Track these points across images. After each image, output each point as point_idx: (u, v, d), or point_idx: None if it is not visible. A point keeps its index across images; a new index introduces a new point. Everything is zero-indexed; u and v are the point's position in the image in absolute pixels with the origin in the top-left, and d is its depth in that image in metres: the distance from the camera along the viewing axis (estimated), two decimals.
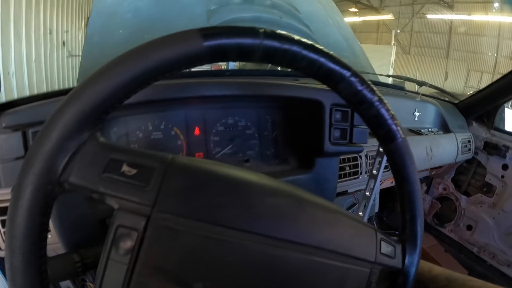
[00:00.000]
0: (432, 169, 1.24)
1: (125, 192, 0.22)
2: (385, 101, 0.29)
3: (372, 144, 0.66)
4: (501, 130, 1.18)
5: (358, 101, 0.29)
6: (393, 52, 6.87)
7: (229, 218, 0.23)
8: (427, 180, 1.38)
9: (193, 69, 0.72)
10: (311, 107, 0.53)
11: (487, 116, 1.20)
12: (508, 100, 1.16)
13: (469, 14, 7.86)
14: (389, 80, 2.12)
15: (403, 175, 0.32)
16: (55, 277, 0.35)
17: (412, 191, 0.32)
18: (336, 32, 1.33)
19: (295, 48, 0.24)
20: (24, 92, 2.78)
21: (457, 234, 1.30)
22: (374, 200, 0.81)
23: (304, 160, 0.58)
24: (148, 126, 0.52)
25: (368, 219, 1.10)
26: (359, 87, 0.28)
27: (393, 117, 0.30)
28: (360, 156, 0.74)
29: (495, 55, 8.02)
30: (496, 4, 7.39)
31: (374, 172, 0.54)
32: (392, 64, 6.78)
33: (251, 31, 0.23)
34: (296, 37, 0.25)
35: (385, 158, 0.49)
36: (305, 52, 0.25)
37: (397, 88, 1.19)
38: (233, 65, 1.67)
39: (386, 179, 0.93)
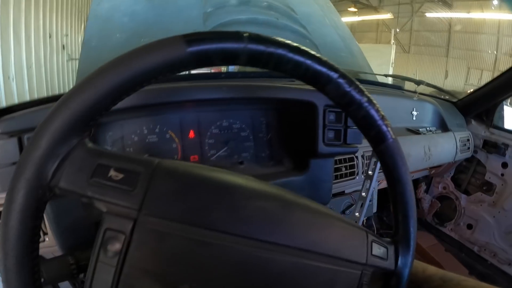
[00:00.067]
0: (432, 168, 1.24)
1: (112, 196, 0.22)
2: (375, 102, 0.29)
3: (368, 145, 0.66)
4: (500, 128, 1.17)
5: (347, 102, 0.29)
6: (393, 51, 6.86)
7: (213, 220, 0.23)
8: (427, 179, 1.38)
9: (186, 72, 0.72)
10: (304, 108, 0.53)
11: (486, 114, 1.19)
12: (507, 97, 1.16)
13: (468, 12, 7.84)
14: (389, 80, 2.11)
15: (395, 176, 0.32)
16: (51, 279, 0.35)
17: (404, 192, 0.32)
18: (334, 33, 1.33)
19: (280, 51, 0.24)
20: (25, 96, 2.79)
21: (458, 233, 1.30)
22: (371, 201, 0.81)
23: (299, 161, 0.58)
24: (143, 130, 0.53)
25: (366, 219, 1.10)
26: (347, 88, 0.28)
27: (383, 118, 0.30)
28: (357, 157, 0.74)
29: (495, 52, 7.99)
30: (495, 2, 7.37)
31: (370, 172, 0.54)
32: (392, 63, 6.77)
33: (235, 36, 0.23)
34: (281, 40, 0.25)
35: None
36: (290, 55, 0.25)
37: (394, 87, 1.19)
38: (232, 67, 1.68)
39: (384, 179, 0.92)
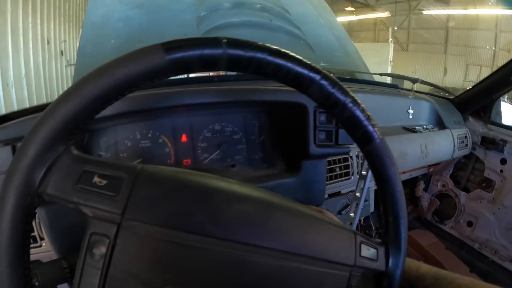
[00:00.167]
0: (430, 166, 1.24)
1: (96, 201, 0.23)
2: (360, 102, 0.29)
3: None
4: (498, 124, 1.16)
5: (331, 103, 0.28)
6: (391, 50, 6.86)
7: (195, 224, 0.24)
8: (426, 178, 1.38)
9: (182, 77, 0.73)
10: (295, 110, 0.53)
11: (483, 110, 1.19)
12: (504, 93, 1.15)
13: (465, 9, 7.84)
14: (388, 80, 2.10)
15: (384, 176, 0.31)
16: (45, 283, 0.36)
17: (393, 192, 0.31)
18: (328, 33, 1.33)
19: (259, 55, 0.25)
20: (24, 103, 2.80)
21: (458, 231, 1.29)
22: (367, 201, 0.81)
23: (291, 163, 0.58)
24: (136, 135, 0.53)
25: (364, 219, 1.10)
26: (331, 90, 0.27)
27: (369, 118, 0.29)
28: (351, 157, 0.74)
29: (493, 48, 7.98)
30: None
31: (363, 172, 0.54)
32: (391, 61, 6.76)
33: (213, 42, 0.24)
34: (261, 44, 0.25)
35: None
36: (270, 58, 0.25)
37: (390, 86, 1.19)
38: None
39: None
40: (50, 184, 0.23)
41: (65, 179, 0.23)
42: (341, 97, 0.28)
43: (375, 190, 0.93)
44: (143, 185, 0.24)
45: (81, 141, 0.48)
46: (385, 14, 9.33)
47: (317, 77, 0.27)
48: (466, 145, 1.16)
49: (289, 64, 0.26)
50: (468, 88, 1.25)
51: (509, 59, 1.01)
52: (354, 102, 0.29)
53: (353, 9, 9.67)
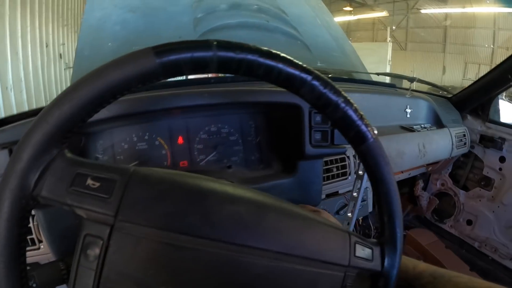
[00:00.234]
0: (429, 165, 1.24)
1: (90, 203, 0.23)
2: (352, 102, 0.29)
3: None
4: (497, 122, 1.16)
5: (323, 104, 0.28)
6: (390, 49, 6.86)
7: (187, 225, 0.24)
8: (424, 177, 1.38)
9: (178, 79, 0.73)
10: (291, 111, 0.53)
11: (481, 108, 1.19)
12: (502, 91, 1.15)
13: (463, 7, 7.85)
14: (386, 79, 2.10)
15: (378, 176, 0.31)
16: (43, 284, 0.36)
17: (388, 192, 0.31)
18: (325, 33, 1.33)
19: (250, 56, 0.25)
20: (23, 106, 2.81)
21: (457, 230, 1.29)
22: (365, 200, 0.81)
23: (288, 164, 0.58)
24: (133, 138, 0.53)
25: (363, 219, 1.09)
26: (323, 90, 0.27)
27: (361, 118, 0.29)
28: (348, 157, 0.74)
29: (492, 46, 7.99)
30: None
31: (360, 172, 0.54)
32: (389, 61, 6.76)
33: (203, 44, 0.24)
34: (251, 45, 0.25)
35: None
36: (261, 60, 0.25)
37: (387, 85, 1.19)
38: None
39: None
40: (45, 187, 0.23)
41: (59, 182, 0.24)
42: (333, 97, 0.28)
43: None
44: (136, 187, 0.24)
45: (78, 144, 0.48)
46: (383, 13, 9.34)
47: (309, 77, 0.27)
48: (465, 143, 1.16)
49: (280, 65, 0.26)
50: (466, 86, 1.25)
51: (507, 56, 1.01)
52: (347, 102, 0.29)
53: (351, 9, 9.69)
